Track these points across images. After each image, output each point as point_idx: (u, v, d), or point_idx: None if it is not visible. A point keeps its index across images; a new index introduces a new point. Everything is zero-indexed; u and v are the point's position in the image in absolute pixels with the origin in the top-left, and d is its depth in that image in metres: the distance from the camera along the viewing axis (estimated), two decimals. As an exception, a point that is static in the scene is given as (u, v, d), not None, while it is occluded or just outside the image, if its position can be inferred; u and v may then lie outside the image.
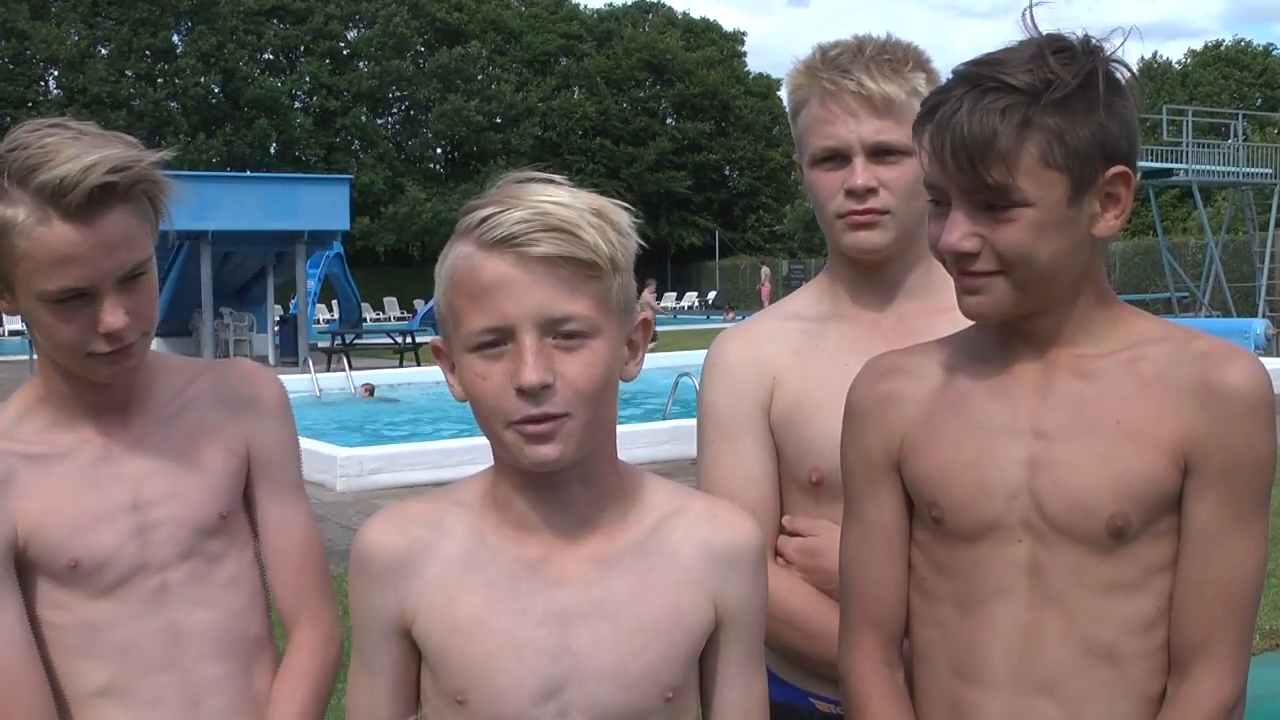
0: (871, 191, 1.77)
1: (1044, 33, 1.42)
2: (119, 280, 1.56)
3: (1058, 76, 1.36)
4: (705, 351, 1.94)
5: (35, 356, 1.72)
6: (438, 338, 1.42)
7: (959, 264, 1.44)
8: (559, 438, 1.32)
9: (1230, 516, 1.41)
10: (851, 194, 1.78)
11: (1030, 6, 1.43)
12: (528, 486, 1.40)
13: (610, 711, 1.37)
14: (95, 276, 1.53)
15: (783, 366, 1.84)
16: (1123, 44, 1.42)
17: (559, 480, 1.39)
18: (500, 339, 1.31)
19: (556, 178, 1.35)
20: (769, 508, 1.83)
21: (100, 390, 1.65)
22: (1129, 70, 1.42)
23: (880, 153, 1.77)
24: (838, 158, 1.79)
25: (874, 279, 1.86)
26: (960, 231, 1.42)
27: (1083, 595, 1.43)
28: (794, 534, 1.84)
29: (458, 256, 1.34)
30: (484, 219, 1.32)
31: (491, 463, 1.44)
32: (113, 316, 1.55)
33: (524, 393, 1.30)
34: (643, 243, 1.40)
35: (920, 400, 1.54)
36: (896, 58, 1.79)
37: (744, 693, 1.46)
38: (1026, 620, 1.45)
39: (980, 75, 1.39)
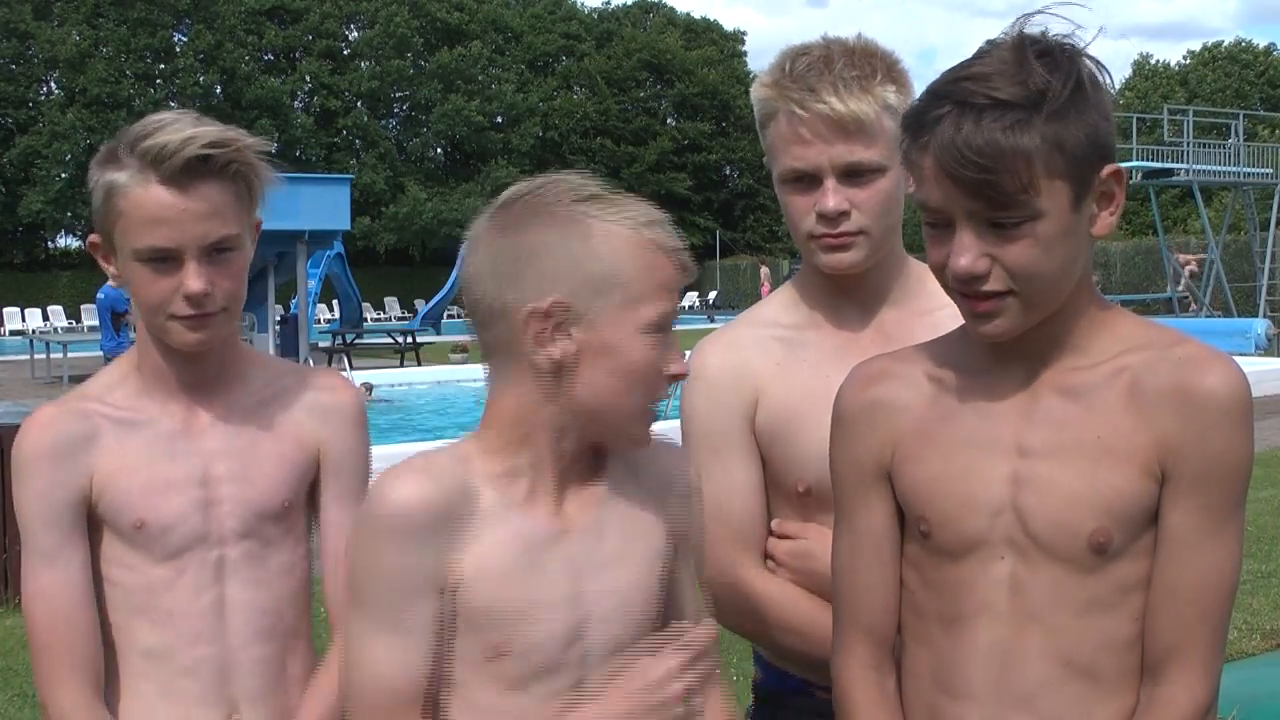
0: (844, 215, 1.74)
1: (1021, 33, 1.40)
2: (204, 249, 1.67)
3: (1050, 85, 1.35)
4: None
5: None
6: None
7: (968, 286, 1.41)
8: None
9: (1205, 522, 1.40)
10: (823, 217, 1.75)
11: (1026, 15, 1.41)
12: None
13: (621, 644, 1.47)
14: (182, 240, 1.66)
15: (765, 378, 1.83)
16: (1094, 39, 1.41)
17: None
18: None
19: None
20: (758, 517, 1.83)
21: (190, 367, 1.75)
22: (1098, 64, 1.42)
23: (851, 173, 1.74)
24: (807, 179, 1.75)
25: (851, 289, 1.84)
26: (971, 254, 1.39)
27: (1062, 613, 1.43)
28: (783, 537, 1.84)
29: None
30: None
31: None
32: (194, 281, 1.66)
33: None
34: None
35: (912, 408, 1.54)
36: (865, 72, 1.74)
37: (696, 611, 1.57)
38: (1007, 636, 1.45)
39: (969, 91, 1.36)
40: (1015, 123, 1.33)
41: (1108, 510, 1.40)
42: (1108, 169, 1.41)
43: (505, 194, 1.47)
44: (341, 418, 1.86)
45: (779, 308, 1.91)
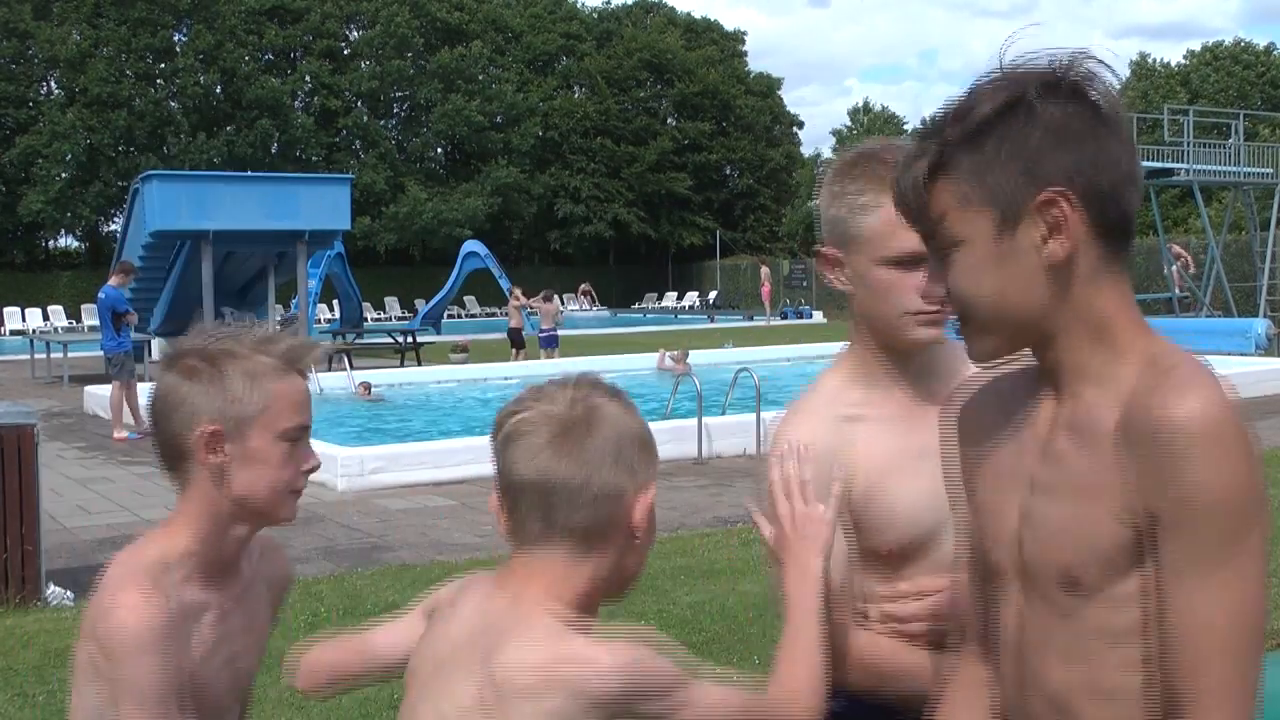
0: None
1: (1006, 60, 1.41)
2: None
3: (965, 115, 1.39)
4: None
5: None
6: None
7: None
8: None
9: (1187, 560, 1.30)
10: (929, 297, 1.86)
11: (1004, 48, 1.41)
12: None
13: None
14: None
15: (842, 460, 1.92)
16: (1073, 59, 1.39)
17: None
18: None
19: None
20: (849, 583, 1.94)
21: (231, 549, 1.90)
22: (1088, 82, 1.38)
23: None
24: (912, 261, 1.87)
25: (905, 360, 1.98)
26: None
27: (1045, 652, 1.44)
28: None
29: None
30: None
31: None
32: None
33: None
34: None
35: (979, 434, 1.58)
36: None
37: None
38: (1014, 667, 1.49)
39: (924, 126, 1.46)
40: (920, 155, 1.42)
41: (1080, 548, 1.37)
42: (1042, 196, 1.35)
43: (576, 385, 1.62)
44: (281, 603, 2.11)
45: (840, 385, 2.02)
